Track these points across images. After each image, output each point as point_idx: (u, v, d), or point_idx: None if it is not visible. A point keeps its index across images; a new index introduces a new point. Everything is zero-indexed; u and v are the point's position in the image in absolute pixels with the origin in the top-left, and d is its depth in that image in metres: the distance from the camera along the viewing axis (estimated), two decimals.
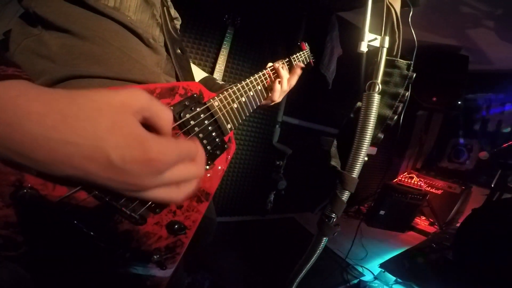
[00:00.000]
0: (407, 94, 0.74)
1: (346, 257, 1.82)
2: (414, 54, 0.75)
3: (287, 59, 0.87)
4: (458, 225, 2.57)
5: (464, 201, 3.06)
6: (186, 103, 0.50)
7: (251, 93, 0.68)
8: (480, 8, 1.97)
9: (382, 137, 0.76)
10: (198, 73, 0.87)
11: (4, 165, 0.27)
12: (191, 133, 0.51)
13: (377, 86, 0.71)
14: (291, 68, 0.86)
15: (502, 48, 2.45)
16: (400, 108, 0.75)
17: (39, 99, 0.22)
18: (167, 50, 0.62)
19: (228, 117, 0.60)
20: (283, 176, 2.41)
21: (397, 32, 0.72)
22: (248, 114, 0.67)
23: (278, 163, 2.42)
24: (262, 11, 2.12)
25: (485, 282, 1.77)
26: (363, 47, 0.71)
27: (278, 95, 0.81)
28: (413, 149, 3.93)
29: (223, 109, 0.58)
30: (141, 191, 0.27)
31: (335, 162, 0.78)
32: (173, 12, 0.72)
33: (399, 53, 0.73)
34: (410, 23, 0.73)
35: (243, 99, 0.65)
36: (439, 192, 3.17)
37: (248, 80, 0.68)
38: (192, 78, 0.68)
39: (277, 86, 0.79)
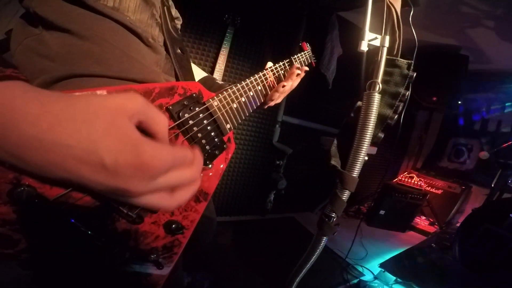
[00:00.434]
0: (407, 93, 0.74)
1: (346, 256, 1.82)
2: (415, 53, 0.75)
3: (288, 60, 0.87)
4: (458, 225, 2.57)
5: (464, 201, 3.06)
6: (185, 102, 0.50)
7: (251, 93, 0.68)
8: (480, 8, 1.97)
9: (382, 136, 0.76)
10: (198, 73, 0.87)
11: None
12: (189, 133, 0.51)
13: (378, 86, 0.71)
14: (292, 69, 0.86)
15: (502, 47, 2.45)
16: (400, 107, 0.75)
17: (35, 101, 0.22)
18: (166, 50, 0.62)
19: (227, 117, 0.59)
20: (283, 175, 2.41)
21: (397, 31, 0.72)
22: (247, 115, 0.67)
23: (278, 162, 2.42)
24: (262, 10, 2.12)
25: (485, 282, 1.77)
26: (364, 46, 0.71)
27: (278, 95, 0.80)
28: (413, 149, 3.93)
29: (222, 109, 0.58)
30: (133, 197, 0.27)
31: (335, 162, 0.78)
32: (174, 11, 0.72)
33: (400, 53, 0.73)
34: (410, 22, 0.73)
35: (243, 99, 0.64)
36: (439, 192, 3.17)
37: (248, 80, 0.68)
38: (192, 78, 0.68)
39: (281, 88, 0.79)
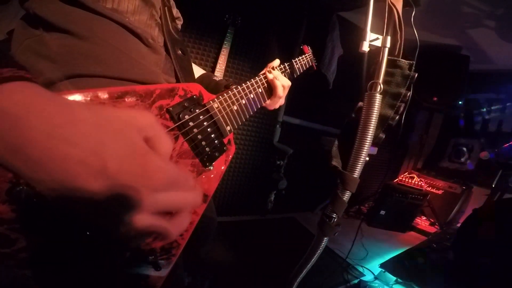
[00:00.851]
0: (409, 94, 0.73)
1: (347, 257, 1.81)
2: (416, 54, 0.75)
3: (289, 63, 0.86)
4: (458, 225, 2.57)
5: (464, 201, 3.05)
6: (185, 104, 0.50)
7: (252, 96, 0.68)
8: (481, 8, 1.96)
9: (384, 137, 0.76)
10: (198, 72, 0.87)
11: None
12: (190, 134, 0.50)
13: (379, 86, 0.71)
14: (292, 71, 0.86)
15: (503, 47, 2.45)
16: (401, 108, 0.74)
17: (52, 100, 0.23)
18: (167, 51, 0.61)
19: (227, 119, 0.59)
20: (284, 175, 2.41)
21: (399, 32, 0.71)
22: (248, 117, 0.67)
23: (278, 163, 2.41)
24: (262, 11, 2.12)
25: (485, 282, 1.77)
26: (365, 47, 0.71)
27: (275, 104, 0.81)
28: (413, 149, 3.93)
29: (222, 111, 0.58)
30: (127, 213, 0.24)
31: (336, 162, 0.78)
32: (175, 12, 0.72)
33: (401, 53, 0.73)
34: (412, 23, 0.73)
35: (243, 102, 0.64)
36: (440, 192, 3.17)
37: (249, 83, 0.68)
38: (193, 79, 0.68)
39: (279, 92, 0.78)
